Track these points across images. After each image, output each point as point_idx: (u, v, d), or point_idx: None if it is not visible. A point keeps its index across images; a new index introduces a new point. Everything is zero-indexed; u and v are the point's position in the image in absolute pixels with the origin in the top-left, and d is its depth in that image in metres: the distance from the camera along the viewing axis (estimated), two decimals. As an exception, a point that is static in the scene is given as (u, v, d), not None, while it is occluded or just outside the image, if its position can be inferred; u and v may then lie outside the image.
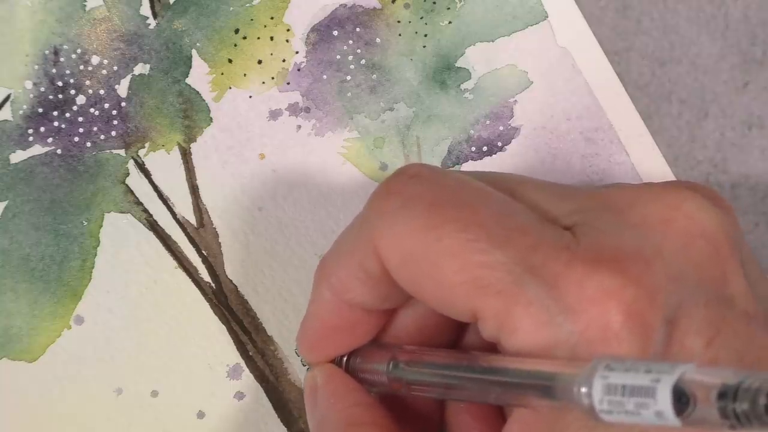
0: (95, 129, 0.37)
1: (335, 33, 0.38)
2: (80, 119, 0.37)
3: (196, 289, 0.37)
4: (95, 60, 0.37)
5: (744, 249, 0.30)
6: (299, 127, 0.38)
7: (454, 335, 0.34)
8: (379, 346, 0.33)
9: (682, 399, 0.23)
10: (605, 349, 0.27)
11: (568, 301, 0.27)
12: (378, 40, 0.38)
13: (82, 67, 0.37)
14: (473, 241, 0.28)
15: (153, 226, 0.37)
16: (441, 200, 0.29)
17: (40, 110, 0.37)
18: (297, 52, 0.38)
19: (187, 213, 0.38)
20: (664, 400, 0.23)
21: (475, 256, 0.28)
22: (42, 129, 0.37)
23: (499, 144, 0.38)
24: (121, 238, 0.37)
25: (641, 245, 0.28)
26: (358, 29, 0.38)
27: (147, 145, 0.37)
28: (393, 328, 0.33)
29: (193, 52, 0.37)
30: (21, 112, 0.37)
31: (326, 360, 0.33)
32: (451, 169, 0.38)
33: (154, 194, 0.37)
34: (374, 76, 0.38)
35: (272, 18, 0.38)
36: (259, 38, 0.38)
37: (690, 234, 0.29)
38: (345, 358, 0.33)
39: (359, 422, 0.31)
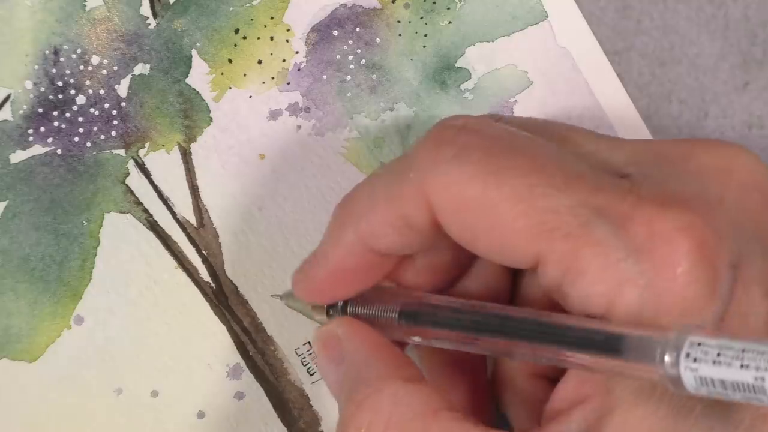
0: (95, 129, 0.37)
1: (335, 33, 0.38)
2: (80, 119, 0.37)
3: (196, 289, 0.37)
4: (95, 60, 0.37)
5: None
6: (299, 127, 0.38)
7: (454, 280, 0.33)
8: (385, 291, 0.32)
9: None
10: (675, 290, 0.26)
11: (637, 240, 0.27)
12: (378, 40, 0.38)
13: (82, 67, 0.37)
14: (536, 186, 0.28)
15: (153, 226, 0.37)
16: (496, 148, 0.29)
17: (40, 110, 0.37)
18: (297, 52, 0.38)
19: (187, 213, 0.37)
20: None
21: (539, 201, 0.28)
22: (42, 129, 0.37)
23: (499, 144, 0.38)
24: (121, 238, 0.37)
25: (702, 192, 0.28)
26: (358, 29, 0.38)
27: (147, 145, 0.37)
28: (401, 270, 0.33)
29: (193, 52, 0.37)
30: (21, 112, 0.37)
31: (324, 302, 0.33)
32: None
33: (154, 194, 0.37)
34: (374, 76, 0.38)
35: (272, 18, 0.38)
36: (259, 38, 0.38)
37: (747, 186, 0.29)
38: (341, 304, 0.33)
39: (406, 364, 0.30)
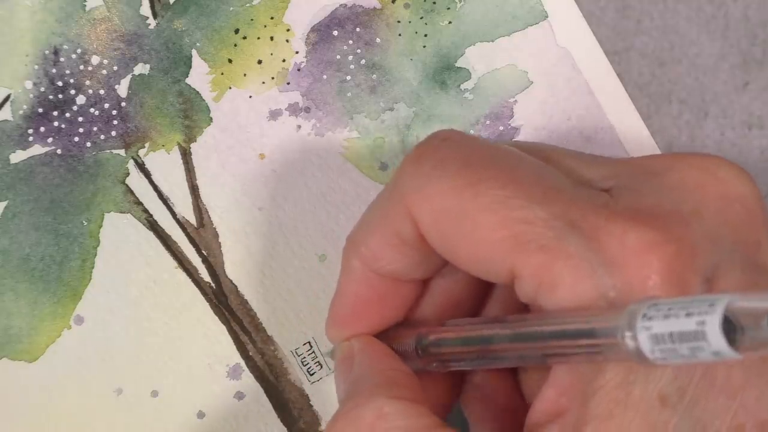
0: (95, 129, 0.37)
1: (335, 33, 0.38)
2: (80, 119, 0.37)
3: (196, 289, 0.37)
4: (95, 60, 0.37)
5: None
6: (299, 127, 0.38)
7: (477, 310, 0.33)
8: (406, 325, 0.33)
9: (730, 327, 0.23)
10: None
11: (609, 254, 0.27)
12: (378, 40, 0.38)
13: (82, 67, 0.37)
14: (512, 198, 0.28)
15: (153, 226, 0.37)
16: (475, 160, 0.29)
17: (40, 110, 0.37)
18: (297, 52, 0.38)
19: (187, 213, 0.38)
20: (717, 341, 0.23)
21: (514, 212, 0.28)
22: (42, 129, 0.37)
23: (499, 144, 0.38)
24: (121, 238, 0.37)
25: (679, 205, 0.28)
26: (358, 29, 0.38)
27: (147, 145, 0.37)
28: (421, 305, 0.33)
29: (193, 52, 0.37)
30: (21, 112, 0.37)
31: (347, 337, 0.33)
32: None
33: (154, 194, 0.37)
34: (374, 76, 0.38)
35: (272, 18, 0.38)
36: (259, 38, 0.38)
37: (727, 197, 0.29)
38: None
39: (398, 383, 0.30)
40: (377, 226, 0.31)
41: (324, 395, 0.37)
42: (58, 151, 0.37)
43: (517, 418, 0.32)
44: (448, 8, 0.38)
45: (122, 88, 0.37)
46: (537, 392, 0.31)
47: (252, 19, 0.38)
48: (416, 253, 0.31)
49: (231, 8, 0.37)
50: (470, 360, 0.31)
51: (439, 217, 0.29)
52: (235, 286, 0.37)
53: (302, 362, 0.37)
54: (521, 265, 0.28)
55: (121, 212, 0.37)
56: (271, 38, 0.38)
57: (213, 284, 0.37)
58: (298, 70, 0.38)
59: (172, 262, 0.37)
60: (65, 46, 0.37)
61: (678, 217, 0.28)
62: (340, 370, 0.32)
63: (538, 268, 0.28)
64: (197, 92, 0.37)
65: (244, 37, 0.38)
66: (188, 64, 0.37)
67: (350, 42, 0.38)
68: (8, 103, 0.37)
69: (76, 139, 0.37)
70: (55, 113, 0.37)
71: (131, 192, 0.37)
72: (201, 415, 0.37)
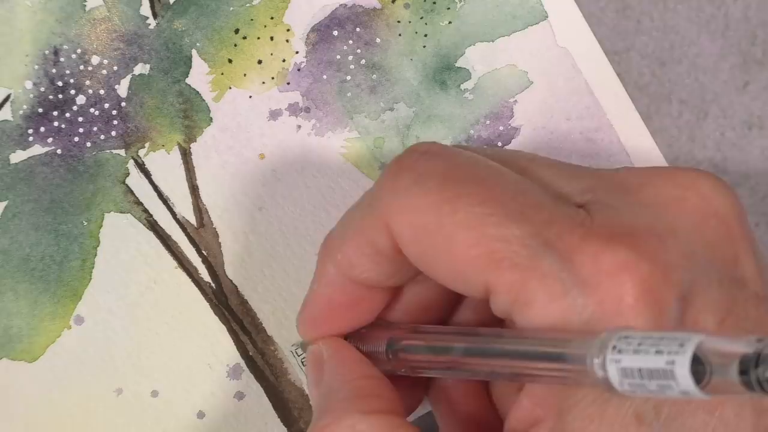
0: (95, 129, 0.37)
1: (335, 33, 0.38)
2: (80, 119, 0.37)
3: (196, 289, 0.37)
4: (95, 60, 0.37)
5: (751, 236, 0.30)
6: (299, 127, 0.38)
7: (447, 315, 0.34)
8: (377, 327, 0.33)
9: (698, 368, 0.23)
10: (618, 323, 0.27)
11: (583, 274, 0.27)
12: (378, 40, 0.38)
13: (82, 67, 0.37)
14: (489, 215, 0.28)
15: (153, 226, 0.37)
16: (454, 175, 0.29)
17: (40, 110, 0.37)
18: (297, 52, 0.38)
19: (187, 213, 0.38)
20: (685, 381, 0.23)
21: (490, 230, 0.28)
22: (42, 129, 0.37)
23: (499, 144, 0.38)
24: (121, 238, 0.37)
25: (655, 223, 0.28)
26: (358, 29, 0.38)
27: (147, 145, 0.37)
28: (393, 307, 0.33)
29: (193, 52, 0.37)
30: (21, 112, 0.37)
31: (317, 338, 0.33)
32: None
33: (154, 194, 0.37)
34: (374, 76, 0.38)
35: (272, 18, 0.38)
36: (259, 38, 0.38)
37: (703, 213, 0.29)
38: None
39: (369, 394, 0.30)
40: (354, 235, 0.31)
41: (324, 395, 0.37)
42: (58, 151, 0.37)
43: (484, 421, 0.33)
44: (448, 8, 0.38)
45: (122, 88, 0.37)
46: (506, 398, 0.32)
47: (252, 19, 0.38)
48: (391, 263, 0.31)
49: (231, 8, 0.37)
50: (441, 370, 0.31)
51: (417, 231, 0.29)
52: (235, 286, 0.38)
53: (302, 362, 0.37)
54: (496, 282, 0.28)
55: (121, 212, 0.37)
56: (271, 38, 0.38)
57: (213, 284, 0.37)
58: (298, 70, 0.38)
59: (172, 262, 0.37)
60: (65, 46, 0.37)
61: (653, 235, 0.28)
62: (311, 376, 0.32)
63: (512, 285, 0.28)
64: (197, 92, 0.37)
65: (244, 37, 0.38)
66: (188, 64, 0.37)
67: (350, 42, 0.38)
68: (8, 103, 0.37)
69: (76, 139, 0.37)
70: (55, 113, 0.37)
71: (131, 192, 0.37)
72: (201, 415, 0.37)
